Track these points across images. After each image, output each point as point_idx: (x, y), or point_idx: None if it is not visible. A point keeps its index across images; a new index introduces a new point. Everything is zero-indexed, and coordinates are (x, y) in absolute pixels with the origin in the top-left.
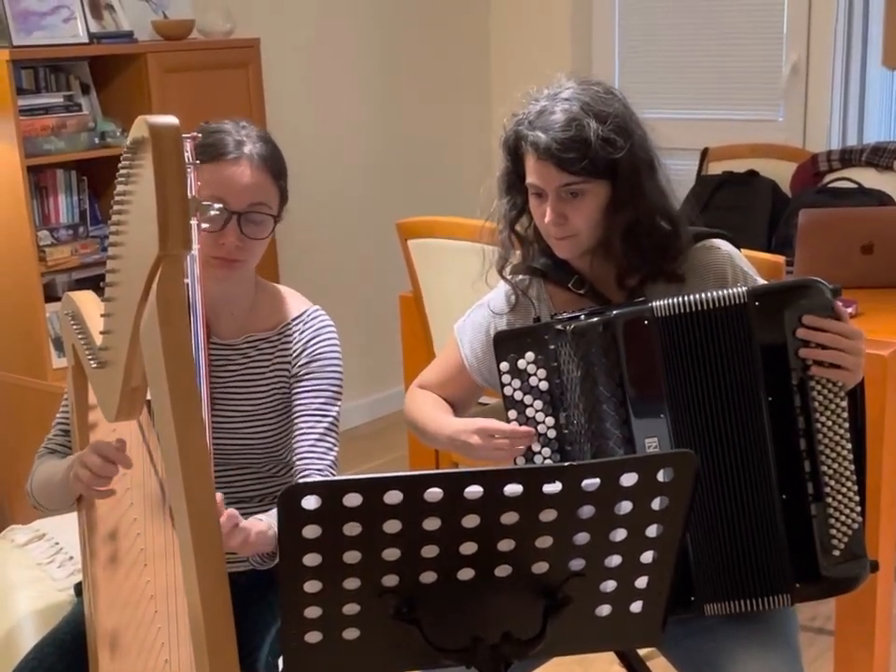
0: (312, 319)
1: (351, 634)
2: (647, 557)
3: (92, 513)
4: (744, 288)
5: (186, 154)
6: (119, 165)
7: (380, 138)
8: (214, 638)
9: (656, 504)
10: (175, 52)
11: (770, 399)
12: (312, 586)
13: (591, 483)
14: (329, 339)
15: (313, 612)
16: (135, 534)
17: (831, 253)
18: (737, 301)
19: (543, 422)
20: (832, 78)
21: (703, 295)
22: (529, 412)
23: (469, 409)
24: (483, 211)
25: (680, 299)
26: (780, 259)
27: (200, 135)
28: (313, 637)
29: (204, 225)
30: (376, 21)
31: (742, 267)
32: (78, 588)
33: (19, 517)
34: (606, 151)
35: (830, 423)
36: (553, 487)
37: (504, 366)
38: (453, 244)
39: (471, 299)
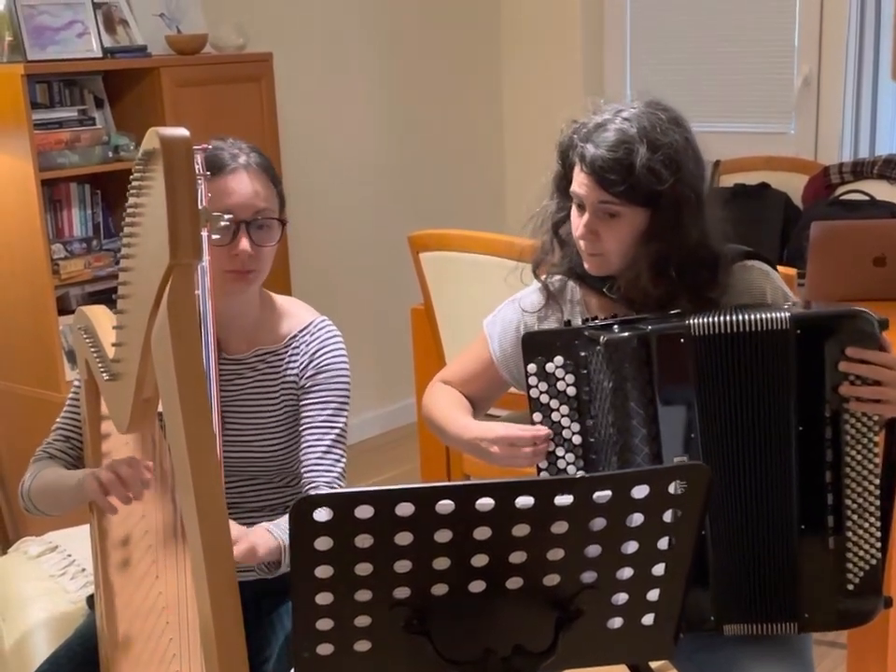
0: (318, 330)
1: (363, 646)
2: (658, 570)
3: (104, 526)
4: (787, 314)
5: (196, 166)
6: (131, 177)
7: (391, 151)
8: (224, 650)
9: (668, 516)
10: (189, 67)
11: (800, 428)
12: (324, 598)
13: (602, 495)
14: (335, 350)
15: (324, 624)
16: (147, 546)
17: (843, 265)
18: (780, 327)
19: (569, 427)
20: (843, 91)
21: (744, 316)
22: (555, 416)
23: (489, 407)
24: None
25: (719, 318)
26: (792, 271)
27: (211, 147)
28: (324, 649)
29: (215, 237)
30: (388, 34)
31: (782, 287)
32: (91, 600)
33: (32, 529)
34: (648, 181)
35: (860, 457)
36: (564, 499)
37: (532, 368)
38: (464, 256)
39: (482, 311)
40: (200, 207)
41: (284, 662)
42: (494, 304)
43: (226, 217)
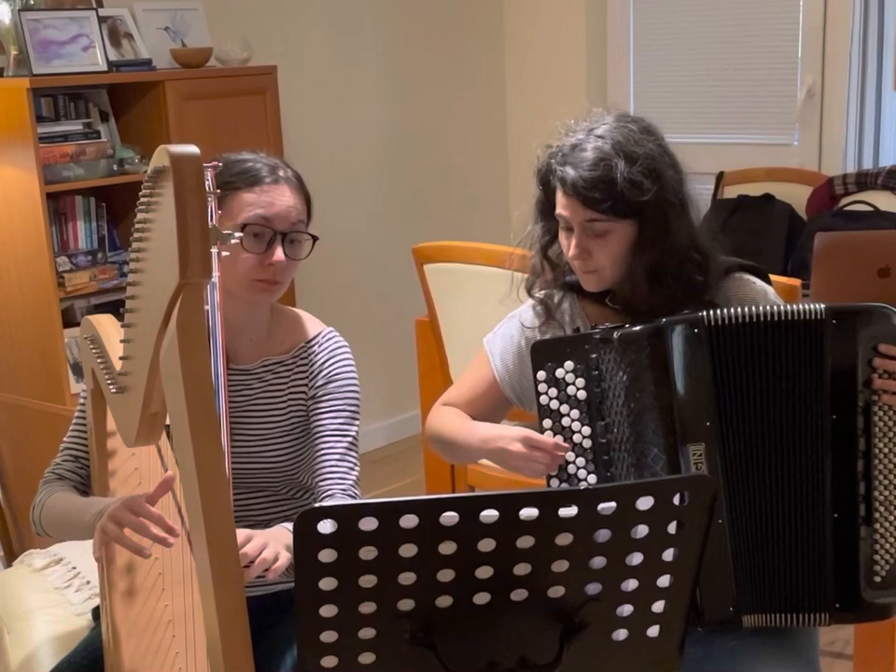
0: (327, 341)
1: (367, 658)
2: (663, 581)
3: None
4: (822, 305)
5: (206, 183)
6: (140, 194)
7: (396, 163)
8: (231, 664)
9: (672, 528)
10: (193, 80)
11: (834, 417)
12: (328, 610)
13: (607, 506)
14: (344, 360)
15: (329, 637)
16: (153, 559)
17: (847, 276)
18: (815, 317)
19: (579, 431)
20: (847, 102)
21: (771, 308)
22: (565, 421)
23: None
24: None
25: (735, 310)
26: (796, 282)
27: (222, 165)
28: (329, 661)
29: (241, 243)
30: (392, 48)
31: (776, 301)
32: (96, 613)
33: (36, 541)
34: (631, 193)
35: (887, 450)
36: (568, 511)
37: (541, 375)
38: (468, 268)
39: (486, 323)
40: (210, 225)
41: None
42: (498, 316)
43: (236, 234)
